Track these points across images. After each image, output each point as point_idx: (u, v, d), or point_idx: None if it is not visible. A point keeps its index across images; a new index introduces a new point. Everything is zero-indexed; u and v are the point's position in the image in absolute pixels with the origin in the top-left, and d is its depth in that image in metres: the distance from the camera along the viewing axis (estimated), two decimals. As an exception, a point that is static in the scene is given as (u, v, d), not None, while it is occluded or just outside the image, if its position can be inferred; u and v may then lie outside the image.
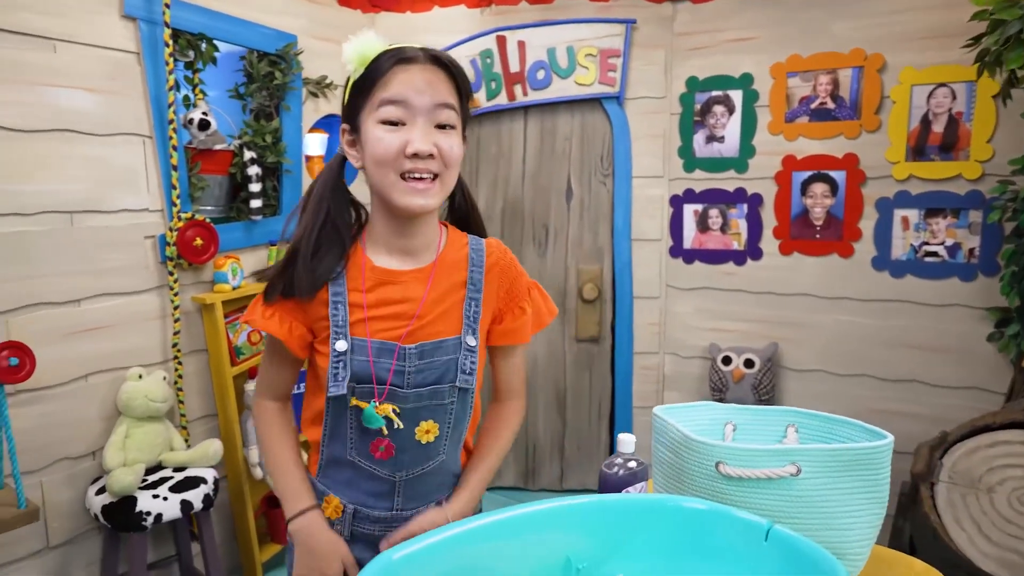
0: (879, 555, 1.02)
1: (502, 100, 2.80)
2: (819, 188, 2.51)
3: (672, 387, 2.87)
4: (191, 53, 2.13)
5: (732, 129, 2.64)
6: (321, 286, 0.96)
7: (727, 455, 0.89)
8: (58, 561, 1.85)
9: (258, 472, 2.24)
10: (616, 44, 2.69)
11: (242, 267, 2.25)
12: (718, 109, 2.64)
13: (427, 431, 0.99)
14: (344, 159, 1.00)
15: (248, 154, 2.30)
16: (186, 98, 2.17)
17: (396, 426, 0.96)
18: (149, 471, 1.93)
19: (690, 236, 2.76)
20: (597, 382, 2.95)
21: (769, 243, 2.63)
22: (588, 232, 2.89)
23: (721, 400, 2.60)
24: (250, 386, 2.24)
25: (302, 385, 1.14)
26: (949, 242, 2.32)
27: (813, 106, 2.49)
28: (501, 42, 2.75)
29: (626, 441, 0.99)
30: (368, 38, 0.92)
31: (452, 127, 0.94)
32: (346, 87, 0.97)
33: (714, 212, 2.70)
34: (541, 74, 2.75)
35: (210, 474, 1.96)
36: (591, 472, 2.97)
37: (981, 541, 1.83)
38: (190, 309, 2.18)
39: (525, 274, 1.09)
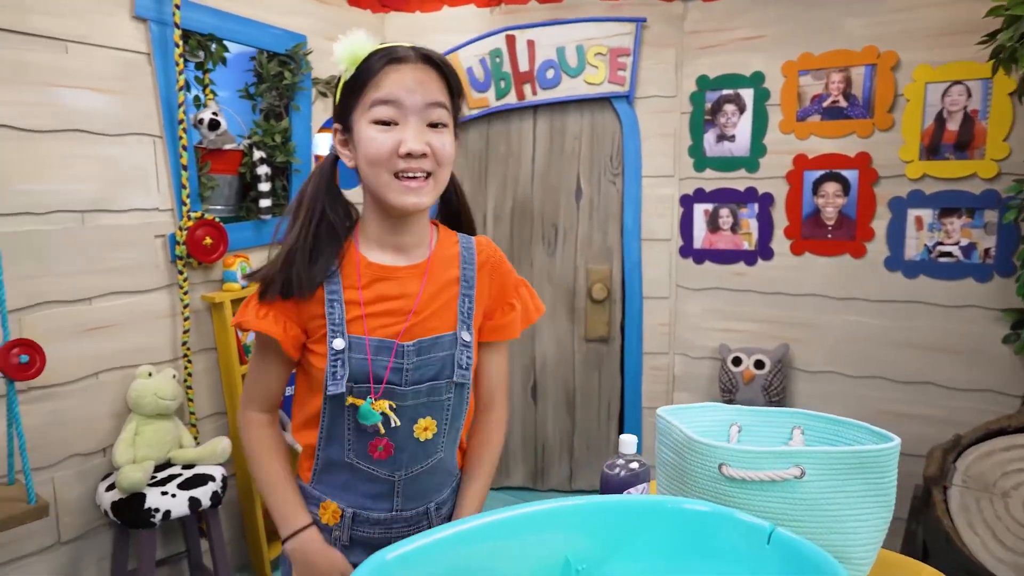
0: (886, 559, 1.00)
1: (511, 99, 2.80)
2: (831, 187, 2.48)
3: (682, 388, 2.85)
4: (201, 54, 2.15)
5: (743, 128, 2.61)
6: (320, 283, 0.96)
7: (730, 457, 0.88)
8: (69, 556, 1.87)
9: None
10: (626, 43, 2.68)
11: (251, 266, 2.26)
12: (729, 108, 2.62)
13: (425, 428, 0.99)
14: (336, 158, 1.00)
15: (257, 154, 2.31)
16: (196, 98, 2.19)
17: (392, 422, 0.96)
18: (158, 468, 1.95)
19: (700, 236, 2.74)
20: (606, 382, 2.93)
21: (780, 243, 2.60)
22: (598, 232, 2.87)
23: (731, 401, 2.58)
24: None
25: (290, 388, 1.12)
26: (964, 242, 2.29)
27: (825, 104, 2.46)
28: (510, 41, 2.75)
29: (627, 442, 0.99)
30: (358, 38, 0.92)
31: (444, 125, 0.94)
32: (337, 87, 0.97)
33: (724, 212, 2.68)
34: (551, 73, 2.75)
35: (219, 472, 1.97)
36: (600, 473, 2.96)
37: (995, 546, 1.80)
38: (199, 308, 2.19)
39: (514, 271, 1.10)
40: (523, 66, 2.76)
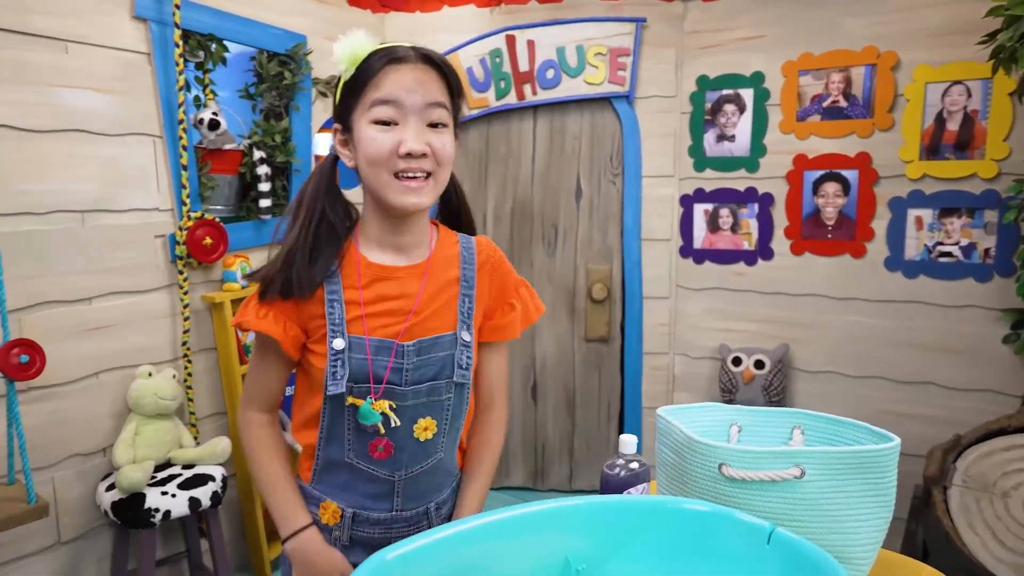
0: (886, 559, 1.00)
1: (511, 99, 2.80)
2: (831, 187, 2.48)
3: (682, 388, 2.85)
4: (201, 54, 2.15)
5: (743, 128, 2.61)
6: (320, 283, 0.96)
7: (730, 457, 0.88)
8: (69, 556, 1.87)
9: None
10: (626, 43, 2.68)
11: (251, 266, 2.26)
12: (729, 108, 2.62)
13: (425, 428, 0.99)
14: (336, 158, 1.00)
15: (258, 154, 2.31)
16: (196, 98, 2.19)
17: (392, 422, 0.96)
18: (158, 468, 1.95)
19: (700, 236, 2.74)
20: (606, 382, 2.93)
21: (780, 243, 2.60)
22: (598, 232, 2.87)
23: (731, 401, 2.57)
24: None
25: (290, 388, 1.12)
26: (964, 242, 2.29)
27: (825, 104, 2.46)
28: (510, 41, 2.75)
29: (627, 442, 0.99)
30: (358, 38, 0.92)
31: (444, 125, 0.95)
32: (337, 87, 0.97)
33: (724, 212, 2.68)
34: (551, 73, 2.75)
35: (218, 472, 1.97)
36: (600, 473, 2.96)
37: (995, 546, 1.80)
38: (199, 308, 2.19)
39: (514, 271, 1.10)
40: (523, 66, 2.76)
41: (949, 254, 2.31)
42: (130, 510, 1.78)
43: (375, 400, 0.95)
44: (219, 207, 2.28)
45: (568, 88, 2.75)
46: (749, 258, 2.66)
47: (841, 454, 0.86)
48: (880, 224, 2.42)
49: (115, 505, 1.79)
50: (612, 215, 2.84)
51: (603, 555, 0.79)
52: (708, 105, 2.66)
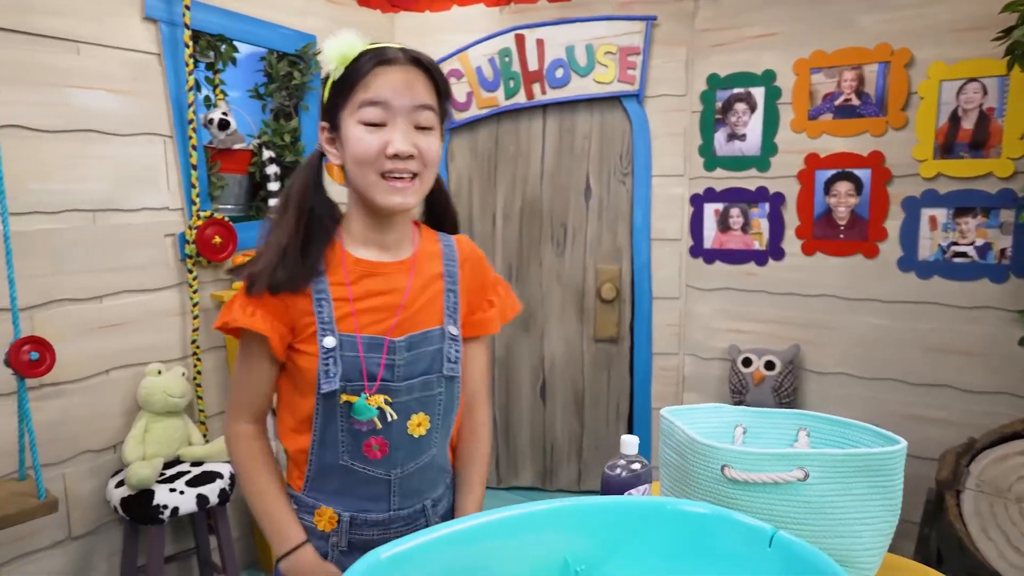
0: (893, 564, 0.99)
1: (521, 99, 2.79)
2: (843, 187, 2.45)
3: (691, 389, 2.83)
4: (211, 54, 2.16)
5: (754, 127, 2.59)
6: (312, 278, 0.96)
7: (733, 458, 0.87)
8: (80, 551, 1.89)
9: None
10: (636, 42, 2.66)
11: (260, 265, 2.27)
12: (740, 107, 2.60)
13: (419, 424, 0.99)
14: (322, 156, 1.01)
15: (267, 153, 2.33)
16: (207, 98, 2.20)
17: (389, 417, 0.95)
18: (167, 465, 1.96)
19: (710, 236, 2.72)
20: (615, 383, 2.92)
21: (791, 243, 2.57)
22: (607, 231, 2.86)
23: (741, 402, 2.55)
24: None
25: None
26: (979, 242, 2.25)
27: (837, 103, 2.43)
28: (520, 40, 2.74)
29: (628, 443, 0.98)
30: (348, 38, 0.93)
31: (431, 128, 0.96)
32: (325, 85, 0.97)
33: (735, 211, 2.66)
34: (560, 72, 2.74)
35: (227, 469, 1.99)
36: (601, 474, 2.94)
37: (1010, 553, 1.77)
38: (209, 306, 2.21)
39: (492, 269, 1.13)
40: (532, 65, 2.75)
41: (964, 254, 2.27)
42: (139, 506, 1.79)
43: (370, 396, 0.94)
44: (229, 206, 2.30)
45: (577, 87, 2.74)
46: (760, 258, 2.64)
47: (845, 457, 0.85)
48: (893, 224, 2.38)
49: (124, 501, 1.80)
50: (622, 215, 2.83)
51: (602, 556, 0.79)
52: (719, 104, 2.63)
